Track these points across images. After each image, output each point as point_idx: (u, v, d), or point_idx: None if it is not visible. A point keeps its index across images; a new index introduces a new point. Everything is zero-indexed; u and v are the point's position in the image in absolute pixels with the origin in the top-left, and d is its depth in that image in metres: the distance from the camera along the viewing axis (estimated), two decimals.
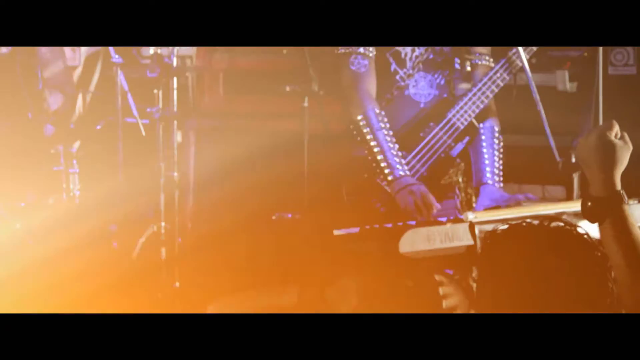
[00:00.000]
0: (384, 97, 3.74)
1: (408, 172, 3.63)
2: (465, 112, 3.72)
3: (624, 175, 2.22)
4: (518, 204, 3.63)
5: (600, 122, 4.73)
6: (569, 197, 3.86)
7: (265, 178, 5.38)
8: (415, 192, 3.57)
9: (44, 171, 4.49)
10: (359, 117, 3.67)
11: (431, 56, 3.76)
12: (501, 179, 3.79)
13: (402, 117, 3.75)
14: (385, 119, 3.67)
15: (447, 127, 3.72)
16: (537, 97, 3.60)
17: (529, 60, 3.71)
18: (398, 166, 3.62)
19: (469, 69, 3.81)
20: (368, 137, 3.64)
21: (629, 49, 4.66)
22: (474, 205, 3.84)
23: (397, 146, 3.66)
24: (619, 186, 2.20)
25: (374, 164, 3.64)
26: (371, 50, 3.71)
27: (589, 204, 2.20)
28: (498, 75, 3.73)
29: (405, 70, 3.73)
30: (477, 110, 3.72)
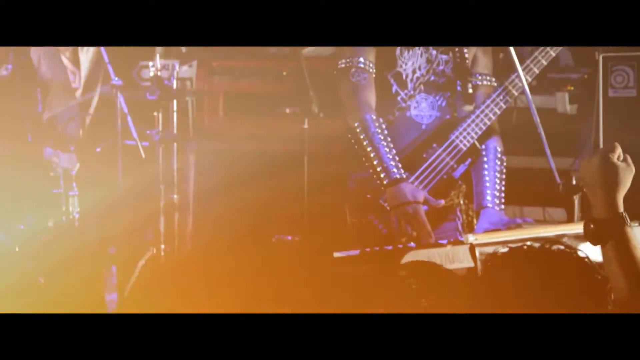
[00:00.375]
0: (385, 117, 3.73)
1: (404, 175, 3.62)
2: (468, 133, 3.72)
3: (626, 197, 2.22)
4: (518, 226, 3.62)
5: (601, 145, 4.73)
6: (569, 219, 3.85)
7: (265, 200, 5.37)
8: (410, 214, 3.56)
9: (44, 194, 4.48)
10: (356, 124, 3.66)
11: (432, 78, 3.76)
12: (502, 201, 3.78)
13: (404, 139, 3.75)
14: (383, 125, 3.66)
15: (449, 149, 3.72)
16: (537, 119, 3.60)
17: (529, 83, 3.71)
18: (394, 169, 3.61)
19: (470, 90, 3.82)
20: (364, 142, 3.64)
21: (629, 70, 4.66)
22: (475, 227, 3.83)
23: (394, 151, 3.65)
24: (621, 208, 2.20)
25: (371, 170, 3.63)
26: (371, 67, 3.72)
27: (592, 226, 2.20)
28: (501, 97, 3.73)
29: (406, 91, 3.73)
30: (479, 132, 3.72)
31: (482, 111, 3.73)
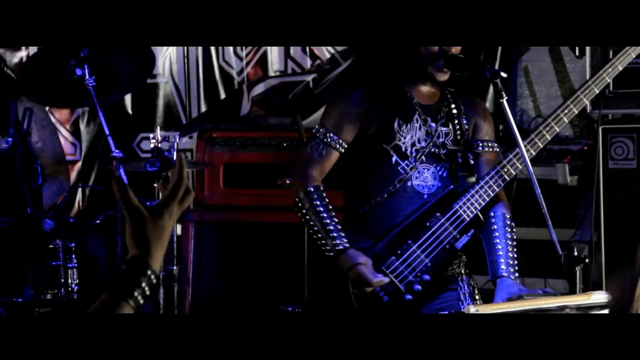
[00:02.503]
0: (386, 189, 3.73)
1: (348, 245, 3.62)
2: (472, 204, 3.71)
3: None
4: (519, 298, 3.59)
5: (602, 216, 4.72)
6: (571, 291, 3.82)
7: (266, 271, 5.35)
8: (359, 273, 3.56)
9: (43, 265, 4.47)
10: (300, 198, 3.68)
11: (433, 149, 3.77)
12: (517, 269, 3.76)
13: (406, 208, 3.74)
14: (325, 195, 3.67)
15: (453, 219, 3.71)
16: (538, 190, 3.59)
17: (528, 153, 3.72)
18: (338, 241, 3.61)
19: (472, 161, 3.82)
20: (308, 215, 3.64)
21: (629, 142, 4.67)
22: (476, 297, 3.80)
23: (336, 220, 3.65)
24: None
25: (318, 242, 3.63)
26: (338, 143, 3.73)
27: None
28: (505, 170, 3.74)
29: (407, 162, 3.74)
30: (483, 203, 3.72)
31: (486, 182, 3.72)
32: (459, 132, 3.81)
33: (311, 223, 3.65)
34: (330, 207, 3.67)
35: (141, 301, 2.06)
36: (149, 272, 2.08)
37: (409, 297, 3.64)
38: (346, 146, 3.74)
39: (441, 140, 3.78)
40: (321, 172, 3.74)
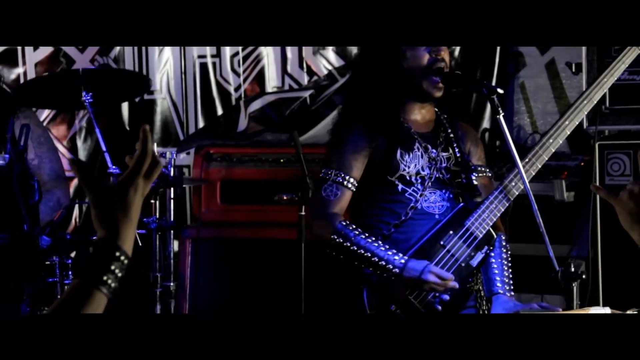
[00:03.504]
0: (398, 218, 3.74)
1: (406, 257, 3.62)
2: (484, 220, 3.73)
3: None
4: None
5: (599, 232, 4.72)
6: (568, 307, 3.82)
7: (263, 287, 5.34)
8: (434, 272, 3.57)
9: (39, 282, 4.46)
10: (333, 237, 3.67)
11: (437, 174, 3.79)
12: (512, 287, 3.78)
13: (419, 230, 3.75)
14: (354, 226, 3.67)
15: (466, 236, 3.72)
16: (535, 206, 3.60)
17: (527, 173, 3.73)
18: (395, 257, 3.61)
19: (475, 182, 3.83)
20: (352, 248, 3.64)
21: (625, 158, 4.68)
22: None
23: (380, 240, 3.66)
24: None
25: (372, 269, 3.63)
26: (350, 183, 3.74)
27: None
28: (512, 184, 3.75)
29: (414, 188, 3.75)
30: (494, 219, 3.74)
31: (494, 199, 3.74)
32: (459, 155, 3.83)
33: (359, 252, 3.63)
34: (366, 232, 3.68)
35: (113, 284, 1.98)
36: (117, 254, 1.99)
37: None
38: (356, 184, 3.75)
39: (444, 165, 3.81)
40: (340, 211, 3.75)
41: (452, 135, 3.87)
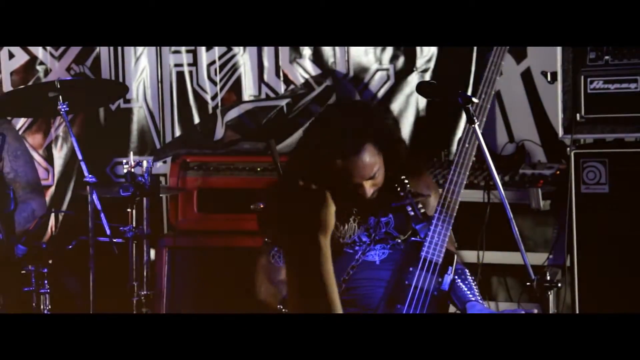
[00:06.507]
0: (341, 277, 3.74)
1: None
2: (437, 244, 3.71)
3: None
4: None
5: (575, 240, 4.74)
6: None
7: (240, 296, 5.33)
8: None
9: (14, 292, 4.44)
10: (280, 307, 3.68)
11: (377, 238, 3.79)
12: (482, 298, 3.78)
13: (363, 280, 3.76)
14: None
15: (426, 266, 3.70)
16: (510, 215, 3.61)
17: (501, 179, 3.73)
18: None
19: (422, 210, 3.80)
20: None
21: (600, 167, 4.70)
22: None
23: None
24: None
25: None
26: None
27: None
28: (447, 201, 3.74)
29: (355, 252, 3.77)
30: (446, 239, 3.71)
31: (439, 219, 3.72)
32: (403, 215, 3.80)
33: None
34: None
35: None
36: None
37: None
38: None
39: (382, 230, 3.80)
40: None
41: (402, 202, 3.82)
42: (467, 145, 3.80)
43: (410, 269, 3.69)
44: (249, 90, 6.25)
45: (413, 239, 3.74)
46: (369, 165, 3.59)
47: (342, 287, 3.70)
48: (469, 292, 3.73)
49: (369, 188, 3.65)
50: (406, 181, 3.76)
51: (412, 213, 3.77)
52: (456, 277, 3.74)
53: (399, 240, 3.77)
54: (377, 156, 3.61)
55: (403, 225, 3.80)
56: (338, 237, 3.73)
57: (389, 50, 5.71)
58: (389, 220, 3.80)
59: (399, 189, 3.75)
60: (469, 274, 3.83)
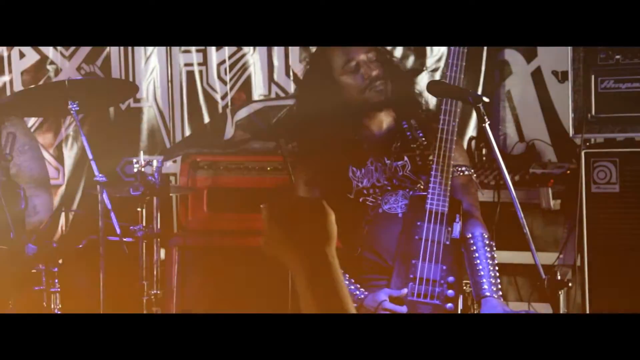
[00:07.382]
0: (363, 224, 3.76)
1: (365, 292, 3.65)
2: (439, 195, 3.73)
3: None
4: None
5: (585, 240, 4.73)
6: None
7: (250, 296, 5.33)
8: (383, 310, 3.60)
9: (25, 291, 4.44)
10: None
11: (395, 182, 3.81)
12: (500, 288, 3.77)
13: (387, 233, 3.76)
14: None
15: (434, 218, 3.73)
16: (521, 214, 3.60)
17: (512, 178, 3.73)
18: (357, 292, 3.67)
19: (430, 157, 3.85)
20: None
21: (611, 166, 4.69)
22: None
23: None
24: None
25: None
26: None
27: None
28: (443, 154, 3.76)
29: (371, 198, 3.79)
30: (447, 189, 3.74)
31: (437, 170, 3.74)
32: (419, 161, 3.84)
33: None
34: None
35: None
36: None
37: (449, 306, 3.67)
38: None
39: (400, 173, 3.82)
40: None
41: (412, 143, 3.87)
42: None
43: (418, 223, 3.71)
44: (259, 89, 6.25)
45: (415, 193, 3.78)
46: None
47: (365, 230, 3.73)
48: (485, 282, 3.71)
49: (369, 64, 3.74)
50: (416, 125, 3.85)
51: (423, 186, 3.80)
52: (479, 258, 3.74)
53: (420, 186, 3.80)
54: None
55: (420, 170, 3.83)
56: (356, 183, 3.76)
57: (399, 50, 5.71)
58: (405, 164, 3.83)
59: (408, 133, 3.82)
60: (494, 256, 3.81)
